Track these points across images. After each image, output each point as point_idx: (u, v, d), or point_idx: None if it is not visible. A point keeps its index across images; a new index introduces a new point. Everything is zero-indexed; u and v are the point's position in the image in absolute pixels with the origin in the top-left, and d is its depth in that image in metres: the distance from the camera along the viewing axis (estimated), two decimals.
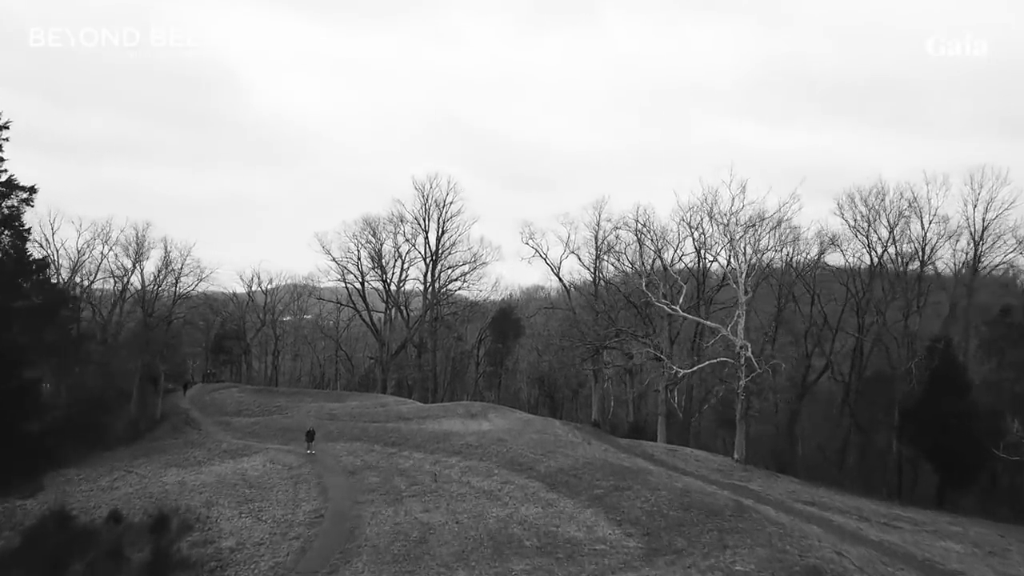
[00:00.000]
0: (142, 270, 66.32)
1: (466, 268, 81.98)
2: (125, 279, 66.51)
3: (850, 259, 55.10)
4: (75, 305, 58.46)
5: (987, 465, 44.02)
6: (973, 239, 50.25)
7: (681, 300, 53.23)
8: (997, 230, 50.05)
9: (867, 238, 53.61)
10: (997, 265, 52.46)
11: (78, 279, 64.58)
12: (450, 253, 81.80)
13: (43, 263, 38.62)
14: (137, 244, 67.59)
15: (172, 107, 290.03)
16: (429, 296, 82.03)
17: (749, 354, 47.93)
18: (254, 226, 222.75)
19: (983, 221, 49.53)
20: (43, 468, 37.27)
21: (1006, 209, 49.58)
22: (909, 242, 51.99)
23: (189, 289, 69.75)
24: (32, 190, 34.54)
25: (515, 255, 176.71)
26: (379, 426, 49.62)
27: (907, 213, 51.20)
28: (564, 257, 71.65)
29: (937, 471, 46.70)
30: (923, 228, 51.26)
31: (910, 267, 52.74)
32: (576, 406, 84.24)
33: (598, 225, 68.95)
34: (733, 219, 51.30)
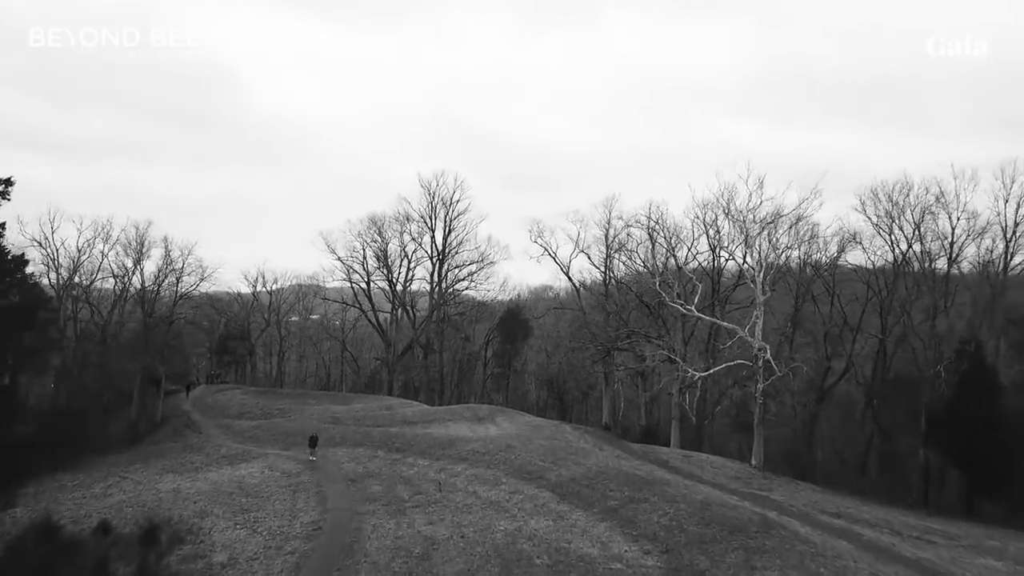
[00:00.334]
0: (142, 270, 64.96)
1: (473, 267, 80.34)
2: (125, 279, 65.10)
3: (872, 257, 52.93)
4: (58, 305, 57.03)
5: (1019, 473, 41.95)
6: (1004, 236, 48.01)
7: (696, 300, 51.28)
8: None
9: (890, 235, 51.50)
10: None
11: (77, 279, 63.08)
12: (457, 252, 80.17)
13: (21, 260, 36.81)
14: (139, 243, 66.31)
15: (172, 107, 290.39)
16: (436, 296, 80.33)
17: (768, 356, 45.99)
18: (255, 226, 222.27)
19: (1015, 217, 47.26)
20: (17, 483, 35.46)
21: None
22: (935, 239, 49.77)
23: (191, 289, 68.37)
24: (8, 182, 32.52)
25: (521, 254, 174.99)
26: (383, 431, 47.92)
27: (934, 209, 49.05)
28: (574, 256, 69.97)
29: (966, 479, 44.56)
30: (951, 224, 49.06)
31: (936, 265, 50.48)
32: (586, 409, 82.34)
33: (608, 223, 67.16)
34: (750, 215, 49.34)
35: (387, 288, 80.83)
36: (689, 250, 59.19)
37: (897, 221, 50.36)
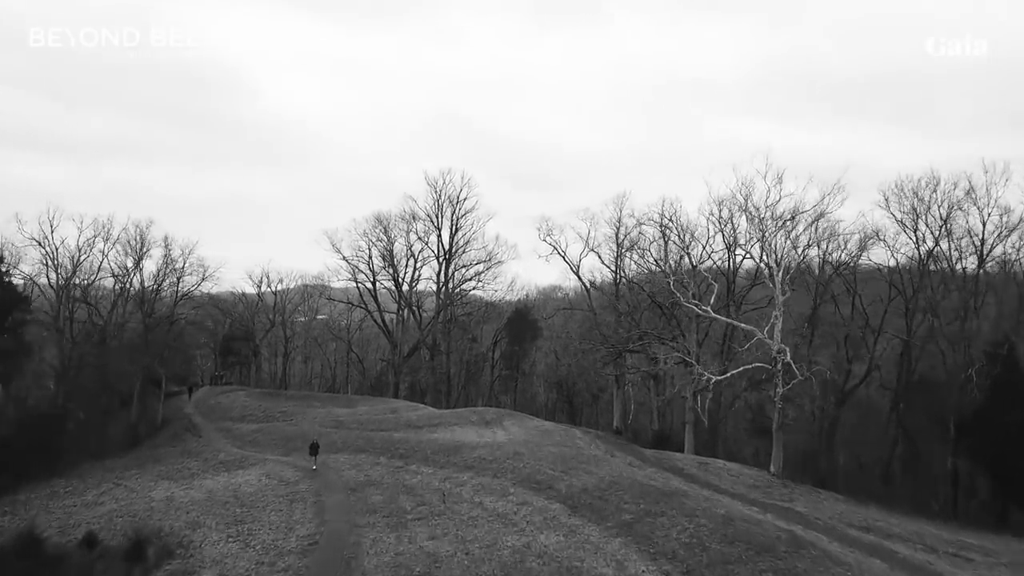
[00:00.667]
0: (141, 270, 63.53)
1: (481, 267, 78.56)
2: (125, 279, 63.69)
3: (896, 255, 50.78)
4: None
5: None
6: None
7: (712, 300, 49.30)
8: None
9: (915, 232, 49.32)
10: None
11: (77, 279, 61.68)
12: (464, 251, 78.41)
13: None
14: (139, 242, 64.94)
15: (172, 107, 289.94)
16: (442, 296, 78.62)
17: (788, 359, 43.97)
18: (258, 226, 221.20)
19: None
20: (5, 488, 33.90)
21: None
22: (964, 235, 47.55)
23: (192, 289, 66.94)
24: None
25: (528, 254, 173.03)
26: (386, 435, 46.24)
27: (964, 204, 46.83)
28: (584, 255, 68.00)
29: (998, 488, 42.41)
30: (982, 221, 46.83)
31: (966, 263, 48.27)
32: (596, 412, 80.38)
33: (619, 221, 65.27)
34: (769, 212, 47.33)
35: (393, 288, 79.20)
36: (704, 248, 57.19)
37: (923, 217, 48.21)
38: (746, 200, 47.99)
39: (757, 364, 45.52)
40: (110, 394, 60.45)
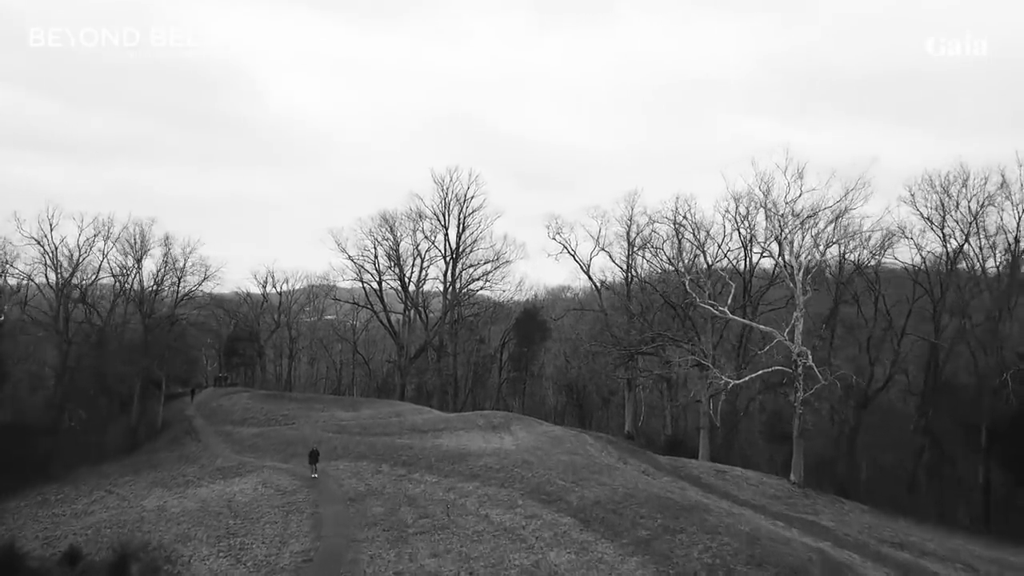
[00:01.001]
0: (140, 269, 62.03)
1: (488, 267, 76.76)
2: (125, 278, 62.23)
3: (923, 254, 48.54)
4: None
5: None
6: None
7: (730, 301, 47.26)
8: None
9: (942, 230, 47.08)
10: None
11: (77, 279, 60.24)
12: (472, 250, 76.65)
13: None
14: (141, 241, 63.52)
15: (175, 107, 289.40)
16: (449, 296, 76.84)
17: (810, 363, 41.88)
18: (261, 226, 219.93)
19: None
20: None
21: None
22: (998, 232, 45.25)
23: (193, 289, 65.40)
24: None
25: (537, 253, 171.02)
26: (389, 441, 44.45)
27: (997, 199, 44.53)
28: (594, 254, 66.06)
29: None
30: (1017, 217, 44.48)
31: (996, 261, 45.99)
32: (607, 415, 78.38)
33: (630, 219, 63.37)
34: (789, 208, 45.25)
35: (399, 288, 77.53)
36: (720, 247, 55.09)
37: (952, 214, 45.96)
38: (765, 195, 45.93)
39: (777, 368, 43.44)
40: (108, 397, 59.00)
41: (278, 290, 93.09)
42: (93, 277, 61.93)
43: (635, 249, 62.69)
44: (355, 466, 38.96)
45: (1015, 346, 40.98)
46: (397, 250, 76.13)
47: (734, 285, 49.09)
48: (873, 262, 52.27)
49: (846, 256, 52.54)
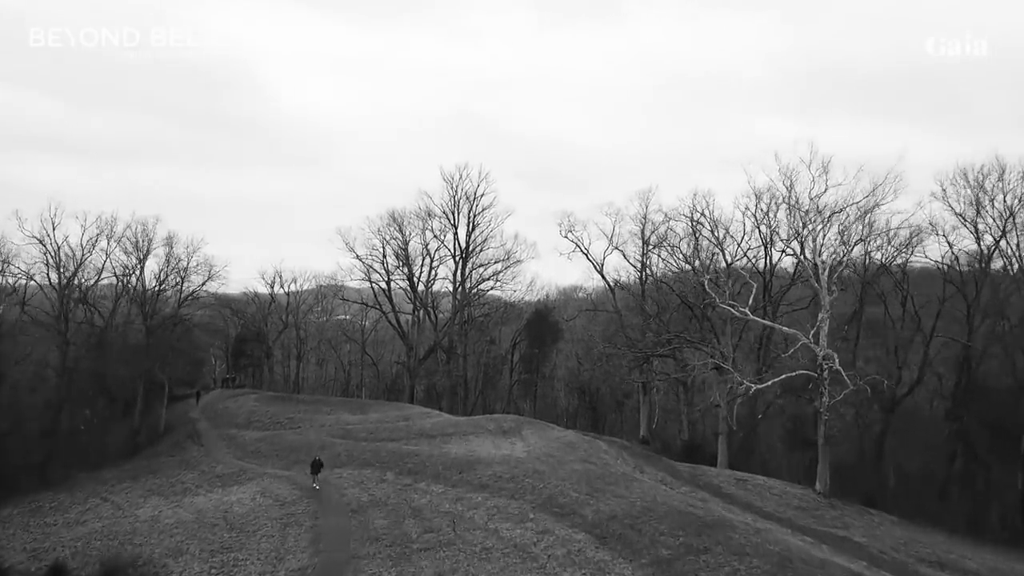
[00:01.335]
0: (141, 269, 60.69)
1: (499, 266, 74.74)
2: (127, 278, 60.96)
3: (955, 251, 46.26)
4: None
5: None
6: None
7: (751, 301, 45.21)
8: None
9: (975, 226, 44.75)
10: None
11: (79, 279, 58.98)
12: (482, 250, 74.69)
13: None
14: (146, 240, 62.22)
15: (181, 106, 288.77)
16: (459, 296, 75.08)
17: (837, 366, 39.76)
18: (269, 225, 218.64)
19: None
20: None
21: None
22: None
23: (197, 288, 64.04)
24: None
25: (548, 253, 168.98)
26: (396, 447, 42.75)
27: None
28: (608, 253, 63.93)
29: None
30: None
31: None
32: (621, 419, 76.29)
33: (645, 217, 61.22)
34: (814, 204, 43.13)
35: (408, 288, 75.85)
36: (739, 245, 52.94)
37: (987, 209, 43.64)
38: (789, 190, 43.83)
39: (802, 372, 41.31)
40: (109, 400, 57.70)
41: (286, 290, 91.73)
42: (96, 277, 60.65)
43: (650, 248, 60.67)
44: (359, 474, 37.29)
45: None
46: (406, 249, 74.46)
47: (755, 285, 46.99)
48: (899, 260, 50.11)
49: (871, 254, 50.42)
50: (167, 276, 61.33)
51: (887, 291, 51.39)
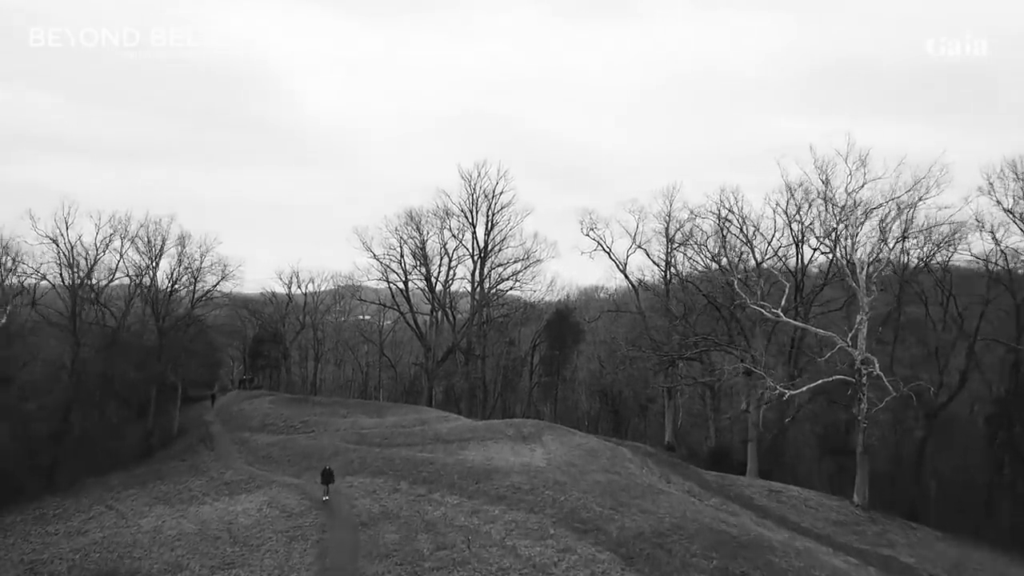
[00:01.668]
0: (155, 269, 59.70)
1: (518, 265, 72.97)
2: (142, 278, 60.01)
3: (1004, 249, 43.49)
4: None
5: None
6: None
7: (784, 302, 42.88)
8: None
9: None
10: None
11: (91, 280, 58.10)
12: (501, 249, 72.91)
13: None
14: (160, 240, 61.31)
15: (173, 107, 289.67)
16: (478, 296, 73.33)
17: (877, 371, 37.34)
18: (286, 225, 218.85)
19: None
20: None
21: None
22: None
23: (211, 289, 62.95)
24: None
25: (569, 251, 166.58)
26: (411, 454, 41.05)
27: None
28: (631, 251, 61.83)
29: None
30: None
31: None
32: (644, 423, 74.00)
33: (669, 215, 59.12)
34: (851, 200, 40.70)
35: (425, 288, 74.30)
36: (769, 243, 50.52)
37: None
38: (825, 185, 41.41)
39: (839, 377, 38.92)
40: (119, 402, 56.74)
41: (303, 290, 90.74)
42: (109, 277, 59.78)
43: (675, 246, 58.44)
44: (371, 483, 35.61)
45: None
46: (424, 249, 72.94)
47: (788, 285, 44.64)
48: (940, 258, 47.37)
49: (909, 252, 47.76)
50: (180, 276, 60.34)
51: (927, 290, 48.74)
